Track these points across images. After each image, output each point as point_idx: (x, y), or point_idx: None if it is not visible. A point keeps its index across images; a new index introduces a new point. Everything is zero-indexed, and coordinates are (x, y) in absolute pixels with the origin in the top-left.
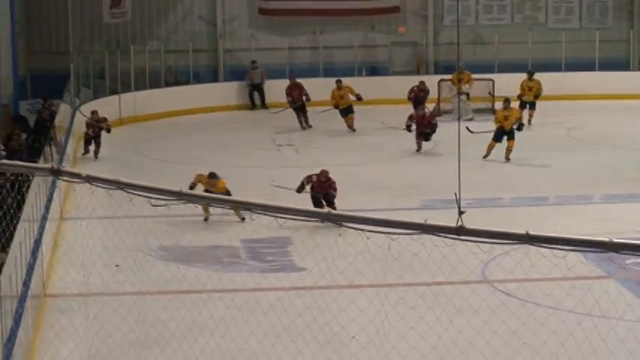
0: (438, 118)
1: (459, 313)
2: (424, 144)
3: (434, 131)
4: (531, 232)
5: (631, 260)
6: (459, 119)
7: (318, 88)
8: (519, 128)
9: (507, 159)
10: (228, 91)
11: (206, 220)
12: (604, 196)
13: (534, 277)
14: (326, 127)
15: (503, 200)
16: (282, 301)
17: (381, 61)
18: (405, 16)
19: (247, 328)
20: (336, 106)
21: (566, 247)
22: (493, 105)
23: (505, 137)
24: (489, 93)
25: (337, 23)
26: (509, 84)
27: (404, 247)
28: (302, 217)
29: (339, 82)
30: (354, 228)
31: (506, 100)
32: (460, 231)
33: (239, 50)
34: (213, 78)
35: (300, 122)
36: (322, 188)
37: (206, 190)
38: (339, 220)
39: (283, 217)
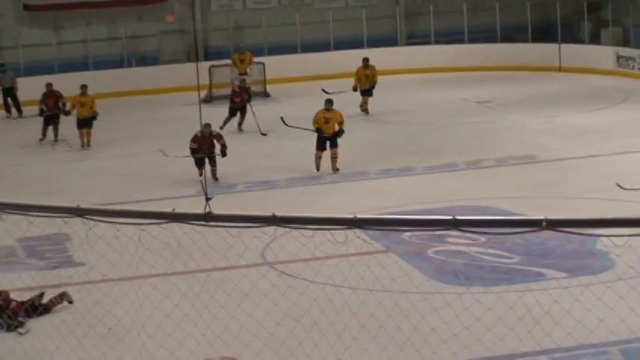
0: (208, 105)
1: (229, 298)
2: None
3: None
4: (277, 214)
5: (409, 233)
6: (249, 100)
7: (90, 81)
8: (338, 134)
9: (335, 169)
10: None
11: None
12: (379, 172)
13: (317, 257)
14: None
15: (279, 182)
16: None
17: (150, 51)
18: (173, 4)
19: (34, 327)
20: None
21: (313, 227)
22: (265, 88)
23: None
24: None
25: (104, 15)
26: (278, 66)
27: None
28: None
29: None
30: (108, 222)
31: (329, 102)
32: (208, 217)
33: (5, 48)
34: None
35: (51, 134)
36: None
37: None
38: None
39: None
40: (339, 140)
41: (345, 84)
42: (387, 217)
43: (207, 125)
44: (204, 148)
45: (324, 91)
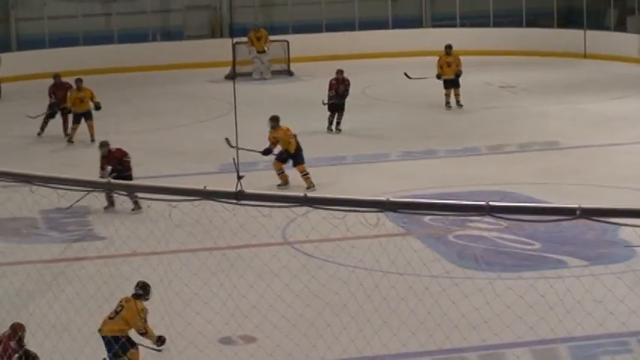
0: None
1: (259, 278)
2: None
3: None
4: (309, 195)
5: (429, 217)
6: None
7: (113, 54)
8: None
9: (309, 186)
10: None
11: None
12: (401, 154)
13: (335, 237)
14: (119, 95)
15: None
16: (88, 269)
17: (175, 26)
18: None
19: (52, 297)
20: (439, 76)
21: (345, 208)
22: (289, 66)
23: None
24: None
25: None
26: (302, 45)
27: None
28: (79, 188)
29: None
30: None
31: (274, 119)
32: (239, 196)
33: (31, 19)
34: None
35: (65, 129)
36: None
37: None
38: (116, 189)
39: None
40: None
41: (375, 65)
42: (420, 200)
43: (103, 145)
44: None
45: (406, 75)
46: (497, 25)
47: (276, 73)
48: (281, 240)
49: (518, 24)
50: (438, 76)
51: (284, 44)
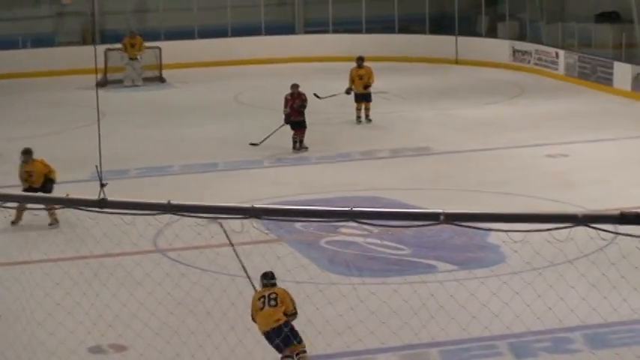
0: (103, 89)
1: (122, 286)
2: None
3: None
4: (173, 202)
5: (300, 224)
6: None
7: None
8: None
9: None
10: None
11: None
12: (273, 160)
13: (211, 244)
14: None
15: (173, 168)
16: None
17: (45, 32)
18: None
19: None
20: (348, 92)
21: (207, 215)
22: (161, 73)
23: None
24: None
25: None
26: (175, 51)
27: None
28: None
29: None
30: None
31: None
32: (102, 203)
33: None
34: None
35: None
36: None
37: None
38: None
39: None
40: None
41: (248, 72)
42: (285, 207)
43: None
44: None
45: (316, 95)
46: (369, 31)
47: (147, 80)
48: (145, 248)
49: (390, 30)
50: (347, 92)
51: (156, 51)
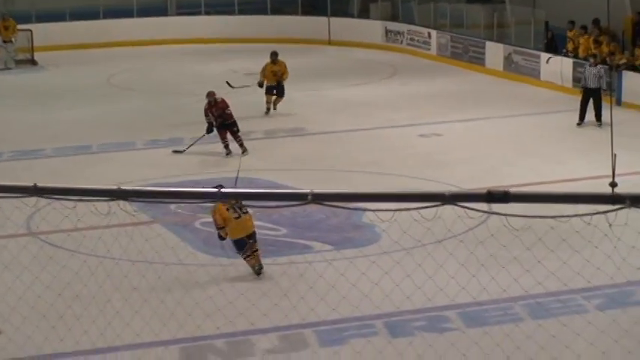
0: None
1: (7, 269)
2: None
3: None
4: (39, 184)
5: (174, 205)
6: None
7: None
8: None
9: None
10: None
11: None
12: (147, 142)
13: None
14: None
15: (45, 151)
16: None
17: None
18: None
19: None
20: (261, 84)
21: (75, 198)
22: (32, 56)
23: None
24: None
25: None
26: (46, 34)
27: None
28: None
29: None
30: None
31: None
32: None
33: None
34: None
35: None
36: None
37: None
38: None
39: None
40: None
41: (121, 54)
42: (151, 189)
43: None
44: None
45: (228, 84)
46: (242, 12)
47: (19, 63)
48: (12, 232)
49: (263, 11)
50: (260, 84)
51: (27, 33)
